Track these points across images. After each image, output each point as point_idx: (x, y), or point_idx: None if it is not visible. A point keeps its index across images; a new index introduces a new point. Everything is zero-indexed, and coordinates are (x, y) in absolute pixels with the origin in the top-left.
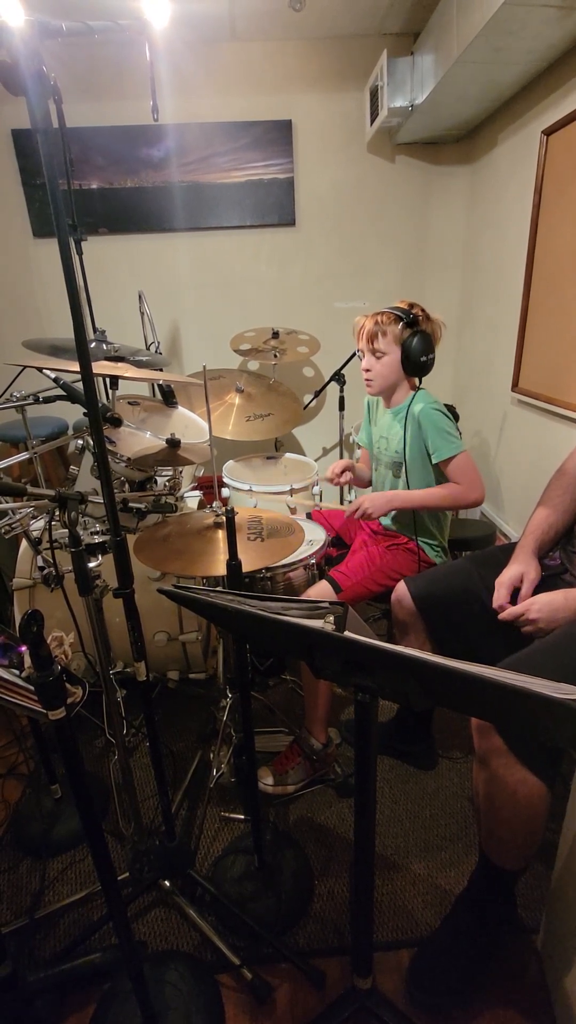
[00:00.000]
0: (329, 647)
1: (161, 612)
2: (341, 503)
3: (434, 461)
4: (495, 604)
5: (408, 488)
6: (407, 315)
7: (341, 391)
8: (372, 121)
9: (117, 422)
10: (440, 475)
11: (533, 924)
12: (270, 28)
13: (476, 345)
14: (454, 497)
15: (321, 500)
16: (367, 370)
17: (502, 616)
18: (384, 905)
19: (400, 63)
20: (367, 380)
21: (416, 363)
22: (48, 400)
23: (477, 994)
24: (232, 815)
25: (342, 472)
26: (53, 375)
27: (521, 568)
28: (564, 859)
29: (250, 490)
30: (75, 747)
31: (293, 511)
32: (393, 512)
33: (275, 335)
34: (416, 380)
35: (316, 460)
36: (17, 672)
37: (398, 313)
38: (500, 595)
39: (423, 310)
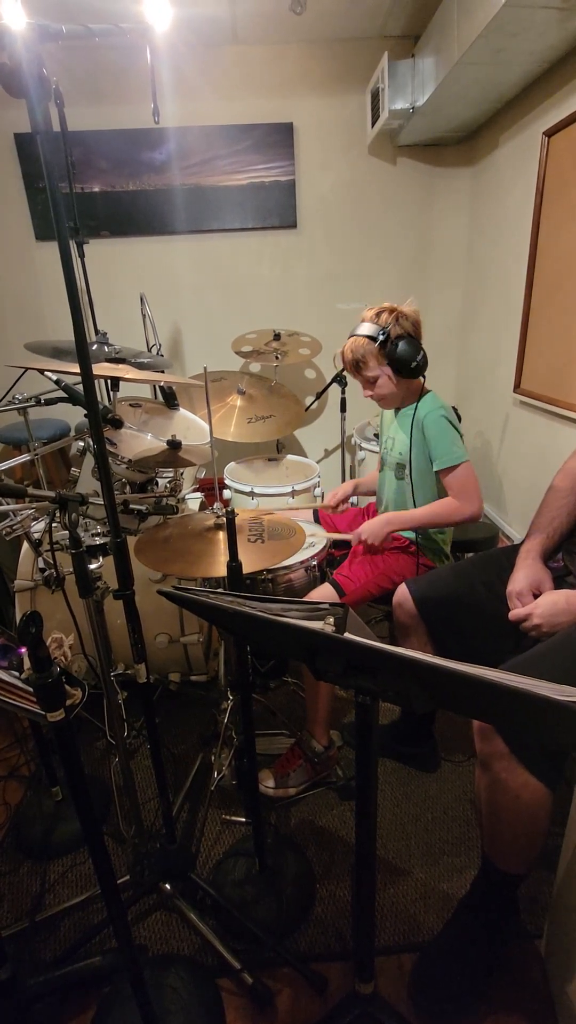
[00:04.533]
0: (329, 649)
1: (162, 614)
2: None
3: (435, 468)
4: (512, 616)
5: (412, 490)
6: (379, 332)
7: (343, 393)
8: (373, 123)
9: (118, 424)
10: (441, 482)
11: (536, 929)
12: (271, 31)
13: (478, 346)
14: (449, 513)
15: (323, 502)
16: (368, 395)
17: (510, 615)
18: (386, 909)
19: (401, 65)
20: (376, 401)
21: (409, 369)
22: (50, 402)
23: (480, 999)
24: (233, 818)
25: (338, 504)
26: (55, 377)
27: (534, 576)
28: (567, 863)
29: (251, 492)
30: (75, 749)
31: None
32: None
33: (277, 337)
34: (421, 380)
35: (318, 462)
36: (17, 674)
37: (369, 334)
38: (516, 604)
39: (392, 310)
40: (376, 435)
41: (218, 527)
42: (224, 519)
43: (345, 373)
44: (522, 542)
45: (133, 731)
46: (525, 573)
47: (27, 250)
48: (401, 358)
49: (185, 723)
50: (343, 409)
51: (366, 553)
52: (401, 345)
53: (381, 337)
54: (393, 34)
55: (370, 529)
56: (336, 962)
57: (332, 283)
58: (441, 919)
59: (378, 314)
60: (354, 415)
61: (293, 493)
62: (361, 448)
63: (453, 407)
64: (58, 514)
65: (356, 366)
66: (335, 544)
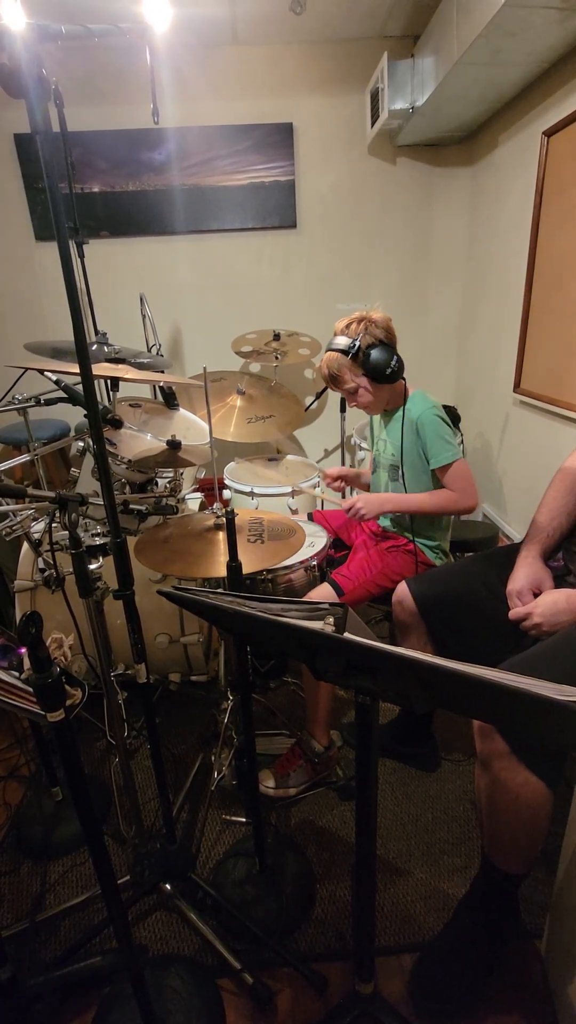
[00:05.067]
0: (329, 649)
1: (162, 614)
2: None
3: (431, 467)
4: (512, 615)
5: (405, 491)
6: (349, 346)
7: None
8: (373, 123)
9: (118, 424)
10: (437, 480)
11: (536, 929)
12: (271, 32)
13: (478, 346)
14: (446, 504)
15: (322, 499)
16: (353, 406)
17: (510, 615)
18: (386, 909)
19: (401, 65)
20: (363, 410)
21: (385, 376)
22: (50, 402)
23: (480, 999)
24: (233, 818)
25: (337, 477)
26: (54, 377)
27: (534, 575)
28: (568, 863)
29: (251, 492)
30: (75, 750)
31: (295, 512)
32: (389, 514)
33: (276, 337)
34: (402, 382)
35: (318, 462)
36: (17, 674)
37: (340, 349)
38: (516, 603)
39: (361, 319)
40: None
41: (218, 527)
42: (224, 519)
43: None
44: (522, 541)
45: (133, 731)
46: (525, 572)
47: (27, 250)
48: (375, 366)
49: (185, 723)
50: (343, 409)
51: (356, 520)
52: (374, 353)
53: (352, 349)
54: (393, 34)
55: (367, 500)
56: (336, 962)
57: (332, 283)
58: (441, 919)
59: (347, 325)
60: (354, 415)
61: (293, 493)
62: (361, 448)
63: (452, 407)
64: (58, 514)
65: (333, 380)
66: (334, 545)
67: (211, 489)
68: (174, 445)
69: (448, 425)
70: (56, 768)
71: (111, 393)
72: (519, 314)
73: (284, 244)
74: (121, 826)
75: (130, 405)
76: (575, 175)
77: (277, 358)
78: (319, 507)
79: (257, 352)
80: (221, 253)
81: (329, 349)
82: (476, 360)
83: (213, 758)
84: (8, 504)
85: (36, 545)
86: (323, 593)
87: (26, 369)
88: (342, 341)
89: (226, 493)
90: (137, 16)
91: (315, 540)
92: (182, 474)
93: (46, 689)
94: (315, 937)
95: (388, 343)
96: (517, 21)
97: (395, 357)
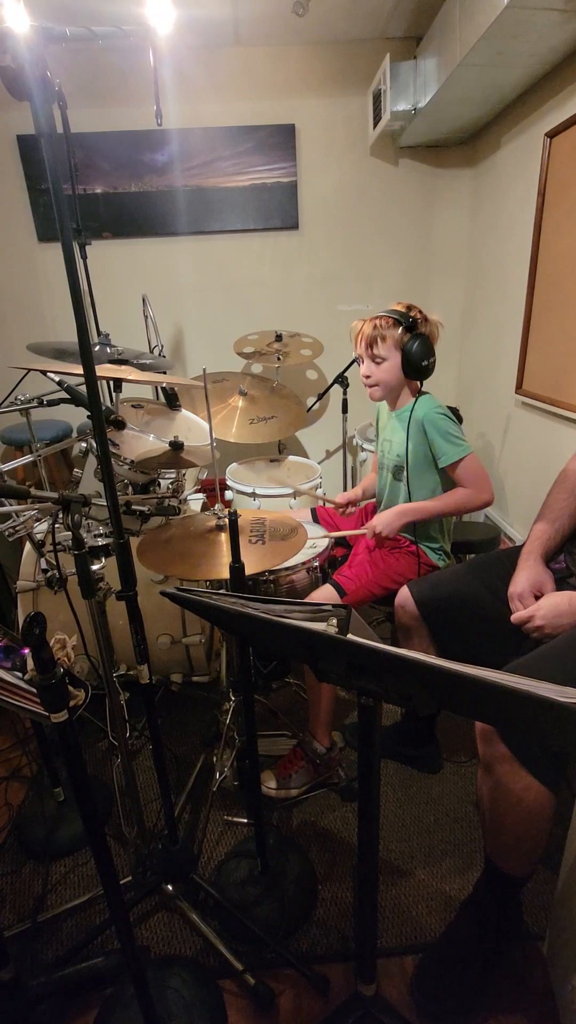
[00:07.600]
0: (332, 650)
1: (164, 615)
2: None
3: (441, 465)
4: (514, 618)
5: (408, 491)
6: (406, 319)
7: (344, 394)
8: (375, 125)
9: (120, 425)
10: (446, 478)
11: (538, 931)
12: (274, 33)
13: (480, 347)
14: (464, 501)
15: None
16: (367, 376)
17: (512, 618)
18: (388, 910)
19: (403, 67)
20: (368, 387)
21: (417, 367)
22: (52, 403)
23: (482, 1001)
24: (235, 819)
25: (347, 504)
26: (57, 378)
27: (535, 577)
28: (569, 865)
29: (253, 493)
30: (78, 750)
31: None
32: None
33: (278, 338)
34: (418, 384)
35: (319, 463)
36: (20, 675)
37: (397, 317)
38: (517, 606)
39: (421, 312)
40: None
41: (220, 528)
42: (226, 520)
43: (354, 349)
44: (523, 544)
45: (135, 732)
46: (527, 575)
47: (29, 251)
48: (414, 353)
49: (187, 724)
50: (344, 410)
51: (378, 547)
52: (420, 342)
53: (407, 323)
54: (395, 36)
55: (383, 521)
56: (338, 963)
57: (333, 284)
58: (443, 920)
59: (409, 307)
60: (355, 416)
61: (295, 494)
62: (363, 449)
63: (454, 407)
64: (61, 515)
65: (372, 341)
66: (338, 543)
67: (213, 490)
68: (176, 446)
69: (453, 421)
70: (58, 768)
71: (114, 394)
72: (521, 315)
73: (286, 245)
74: (123, 827)
75: (132, 406)
76: None
77: (279, 359)
78: (328, 544)
79: (259, 353)
80: (223, 254)
81: (384, 313)
82: (478, 361)
83: (215, 759)
84: (11, 505)
85: (39, 546)
86: (325, 594)
87: (29, 370)
88: (400, 315)
89: (228, 494)
90: (140, 18)
91: (317, 541)
92: (184, 475)
93: (49, 690)
94: (317, 938)
95: (432, 345)
96: (520, 23)
97: (432, 358)
